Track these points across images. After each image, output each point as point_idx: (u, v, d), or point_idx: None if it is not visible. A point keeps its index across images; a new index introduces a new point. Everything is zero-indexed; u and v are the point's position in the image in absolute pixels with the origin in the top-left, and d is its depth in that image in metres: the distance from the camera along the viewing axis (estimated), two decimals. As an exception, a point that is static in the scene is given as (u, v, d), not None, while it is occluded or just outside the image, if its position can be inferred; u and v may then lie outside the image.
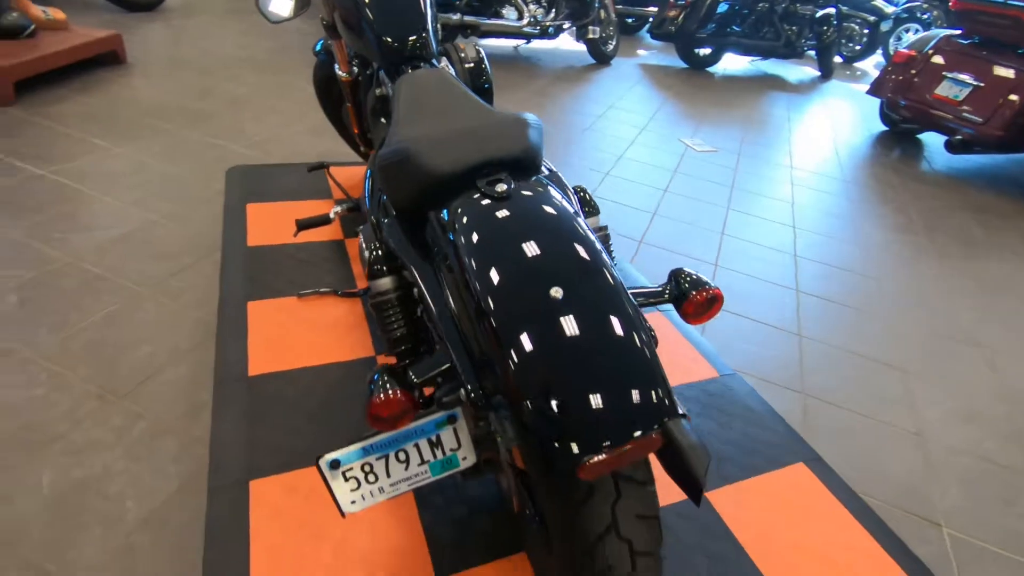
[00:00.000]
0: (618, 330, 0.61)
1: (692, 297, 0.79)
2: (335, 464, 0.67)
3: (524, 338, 0.60)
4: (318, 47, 1.87)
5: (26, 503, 1.06)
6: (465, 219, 0.71)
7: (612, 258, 0.97)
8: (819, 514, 1.26)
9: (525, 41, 4.89)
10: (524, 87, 4.04)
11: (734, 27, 5.24)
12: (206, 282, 1.68)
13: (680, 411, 0.61)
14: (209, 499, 1.08)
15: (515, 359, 0.59)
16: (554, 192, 0.77)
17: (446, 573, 1.02)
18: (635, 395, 0.58)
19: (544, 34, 4.55)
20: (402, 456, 0.70)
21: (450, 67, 1.31)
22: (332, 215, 1.52)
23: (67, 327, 1.45)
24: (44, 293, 1.55)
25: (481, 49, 1.40)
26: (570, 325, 0.60)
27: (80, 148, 2.28)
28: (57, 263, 1.67)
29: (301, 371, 1.39)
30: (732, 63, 5.87)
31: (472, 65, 1.36)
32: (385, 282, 0.87)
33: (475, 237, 0.68)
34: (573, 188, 0.98)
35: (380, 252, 0.88)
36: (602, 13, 4.85)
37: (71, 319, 1.48)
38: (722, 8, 5.17)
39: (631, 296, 0.71)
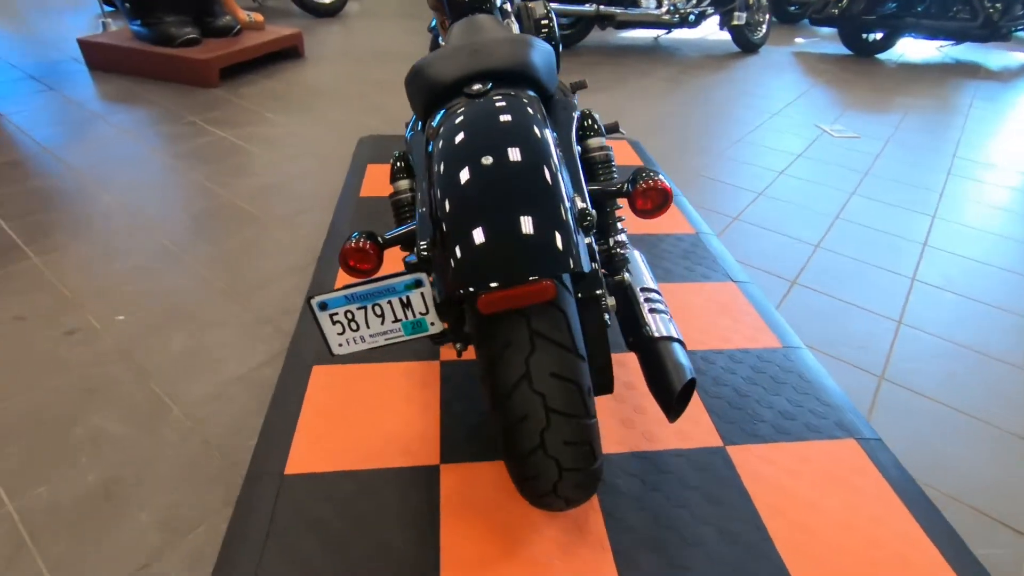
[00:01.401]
0: (533, 195, 0.68)
1: (639, 188, 0.81)
2: (323, 306, 0.83)
3: (450, 196, 0.70)
4: (432, 24, 2.11)
5: (160, 355, 1.41)
6: (442, 113, 0.83)
7: (612, 174, 1.02)
8: (856, 488, 1.16)
9: (665, 31, 4.81)
10: (651, 74, 4.01)
11: (914, 7, 4.60)
12: (322, 220, 2.01)
13: (584, 268, 0.66)
14: (281, 374, 1.34)
15: (439, 213, 0.69)
16: (526, 99, 0.83)
17: (448, 460, 1.16)
18: (534, 245, 0.65)
19: (684, 22, 4.44)
20: (378, 311, 0.85)
21: (514, 22, 1.43)
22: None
23: (217, 243, 1.85)
24: (209, 219, 1.98)
25: (551, 8, 1.49)
26: (488, 185, 0.69)
27: (255, 119, 2.82)
28: (221, 200, 2.11)
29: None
30: (913, 49, 5.16)
31: (536, 21, 1.46)
32: (401, 184, 1.02)
33: (442, 126, 0.80)
34: (580, 112, 1.04)
35: (401, 159, 1.03)
36: (750, -2, 4.59)
37: (221, 238, 1.88)
38: (901, -14, 4.59)
39: (583, 187, 0.77)
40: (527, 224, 0.66)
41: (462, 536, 1.03)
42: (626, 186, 0.84)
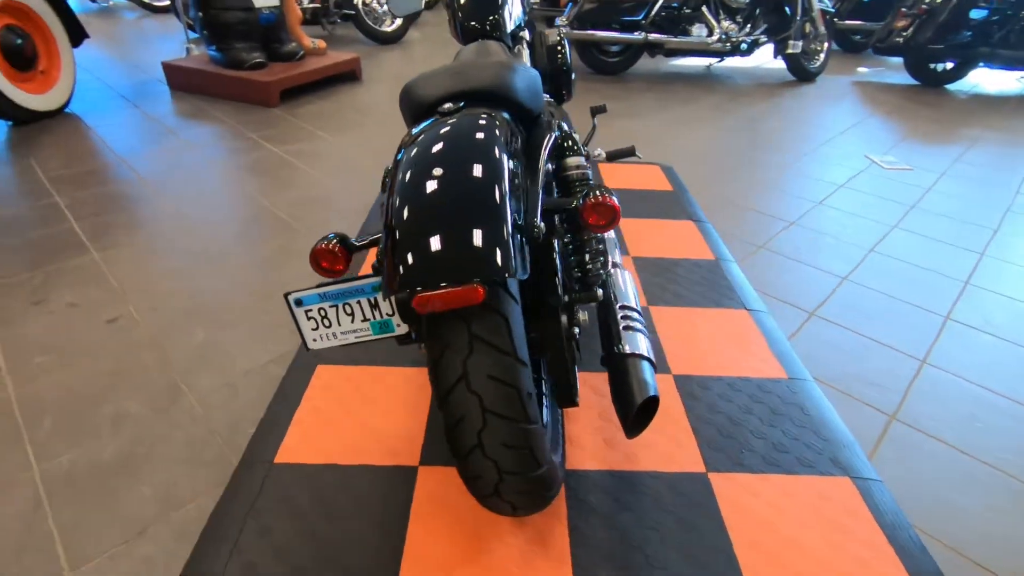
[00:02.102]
0: (473, 206, 0.72)
1: (587, 203, 0.83)
2: (299, 302, 0.90)
3: (396, 205, 0.74)
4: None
5: (183, 347, 1.53)
6: (414, 130, 0.89)
7: (580, 191, 1.05)
8: (844, 528, 1.11)
9: (717, 59, 4.76)
10: (697, 101, 3.99)
11: (990, 36, 4.36)
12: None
13: (518, 275, 0.69)
14: (287, 371, 1.43)
15: (387, 221, 0.74)
16: (490, 118, 0.87)
17: (427, 463, 1.20)
18: (467, 252, 0.69)
19: (736, 50, 4.40)
20: (348, 310, 0.90)
21: (525, 49, 1.49)
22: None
23: (253, 249, 2.00)
24: (249, 227, 2.14)
25: (563, 34, 1.55)
26: (432, 195, 0.73)
27: (306, 136, 3.02)
28: (264, 209, 2.27)
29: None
30: (989, 79, 4.88)
31: (550, 48, 1.52)
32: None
33: (408, 141, 0.85)
34: (558, 133, 1.08)
35: (388, 174, 1.09)
36: (807, 26, 4.50)
37: (256, 245, 2.03)
38: (975, 14, 4.37)
39: (538, 202, 0.81)
40: (463, 232, 0.70)
41: (428, 535, 1.07)
42: (577, 201, 0.86)
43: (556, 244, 0.97)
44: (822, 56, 4.72)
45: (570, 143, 1.08)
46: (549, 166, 0.96)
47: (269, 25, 3.54)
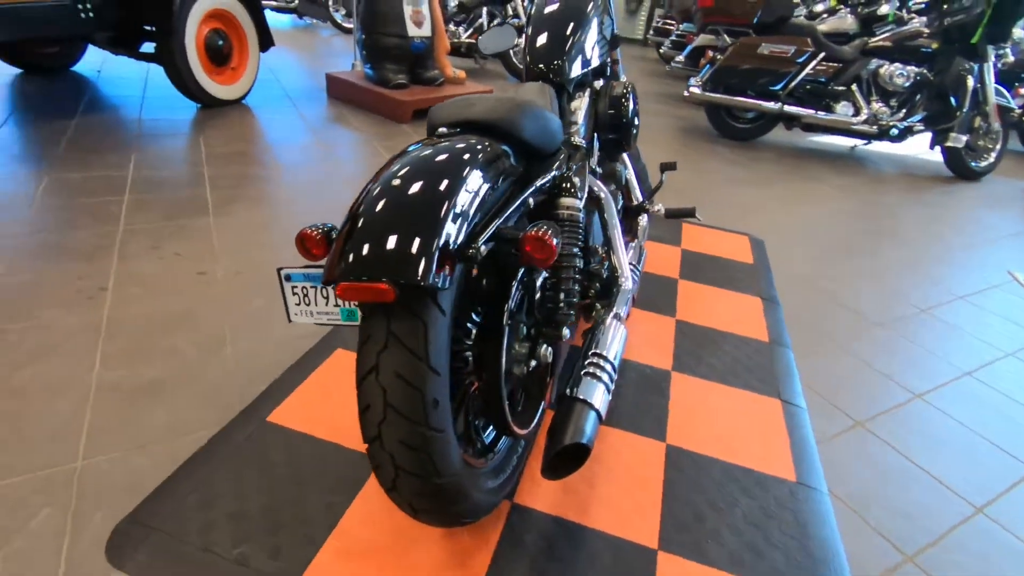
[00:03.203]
0: (412, 214, 0.78)
1: (528, 234, 0.85)
2: (288, 277, 1.02)
3: (352, 206, 0.83)
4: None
5: (241, 309, 1.76)
6: (409, 146, 0.98)
7: (577, 238, 1.07)
8: (786, 655, 0.99)
9: (864, 141, 4.43)
10: (823, 180, 3.73)
11: None
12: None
13: (432, 284, 0.74)
14: (309, 350, 1.59)
15: (344, 219, 0.83)
16: (479, 147, 0.92)
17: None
18: (387, 253, 0.75)
19: (885, 135, 4.07)
20: (324, 293, 1.01)
21: (585, 96, 1.54)
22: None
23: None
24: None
25: (630, 88, 1.57)
26: (382, 200, 0.80)
27: (420, 152, 3.31)
28: (357, 207, 2.54)
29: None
30: None
31: (615, 98, 1.55)
32: None
33: (397, 154, 0.94)
34: (557, 174, 1.11)
35: None
36: (976, 120, 4.03)
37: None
38: None
39: (486, 227, 0.85)
40: (390, 236, 0.77)
41: (363, 519, 1.13)
42: (522, 232, 0.88)
43: (520, 274, 1.00)
44: (993, 155, 4.19)
45: (568, 185, 1.11)
46: (532, 200, 1.00)
47: (419, 52, 3.96)
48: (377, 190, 0.83)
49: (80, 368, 1.46)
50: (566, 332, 1.09)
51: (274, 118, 3.63)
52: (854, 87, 4.07)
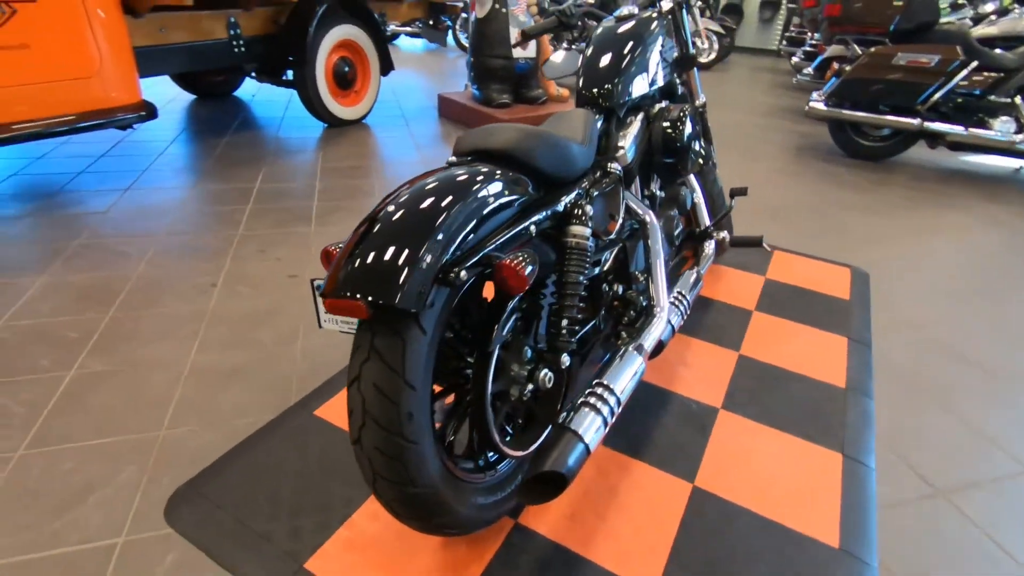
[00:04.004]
0: (398, 238, 0.84)
1: (503, 261, 0.86)
2: (318, 288, 1.14)
3: (359, 228, 0.91)
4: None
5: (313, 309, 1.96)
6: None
7: (584, 266, 1.08)
8: None
9: (1032, 162, 3.76)
10: (967, 209, 3.24)
11: None
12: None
13: (408, 308, 0.80)
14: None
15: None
16: (483, 175, 0.96)
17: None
18: (367, 273, 0.82)
19: (1058, 156, 3.44)
20: (346, 304, 1.11)
21: (636, 121, 1.50)
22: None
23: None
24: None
25: (687, 112, 1.50)
26: (377, 224, 0.87)
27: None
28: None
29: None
30: None
31: (666, 122, 1.50)
32: None
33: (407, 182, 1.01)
34: (570, 201, 1.11)
35: None
36: None
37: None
38: None
39: (475, 252, 0.89)
40: (373, 257, 0.83)
41: (371, 517, 1.21)
42: (499, 258, 0.90)
43: (518, 297, 1.03)
44: None
45: (579, 212, 1.10)
46: (535, 227, 1.02)
47: (523, 72, 4.10)
48: (376, 214, 0.91)
49: (182, 350, 1.73)
50: (565, 359, 1.09)
51: (387, 136, 3.96)
52: (1019, 99, 3.50)
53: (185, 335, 1.80)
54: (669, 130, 1.50)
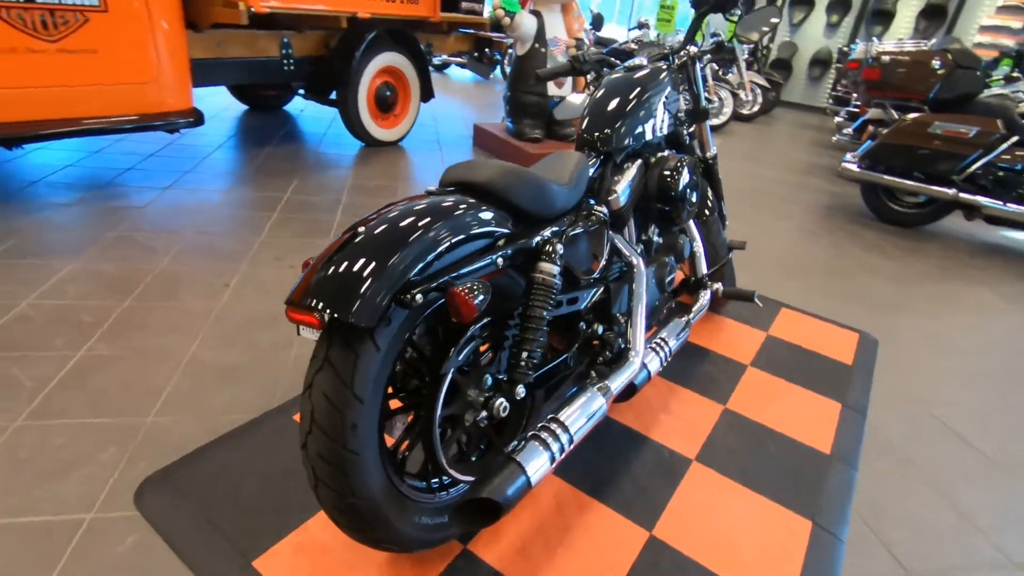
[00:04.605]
0: (360, 258, 0.89)
1: (455, 289, 0.90)
2: (301, 297, 1.20)
3: (331, 246, 0.96)
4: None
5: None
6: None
7: (549, 302, 1.11)
8: None
9: (1075, 244, 3.60)
10: (997, 284, 3.12)
11: None
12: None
13: (358, 323, 0.84)
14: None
15: None
16: (459, 206, 1.01)
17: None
18: (326, 287, 0.87)
19: (1102, 239, 3.30)
20: (323, 315, 1.17)
21: (631, 168, 1.54)
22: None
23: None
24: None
25: (684, 163, 1.52)
26: (347, 243, 0.93)
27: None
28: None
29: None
30: None
31: (661, 171, 1.52)
32: None
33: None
34: (540, 240, 1.14)
35: None
36: None
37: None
38: None
39: (435, 278, 0.94)
40: (331, 273, 0.89)
41: (324, 525, 1.24)
42: (450, 287, 0.93)
43: (478, 326, 1.07)
44: None
45: (549, 249, 1.13)
46: (501, 260, 1.06)
47: (555, 110, 4.20)
48: (349, 232, 0.97)
49: (185, 344, 1.82)
50: (520, 390, 1.11)
51: (419, 159, 4.11)
52: (1063, 178, 3.39)
53: (190, 330, 1.90)
54: (666, 178, 1.53)
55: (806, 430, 1.74)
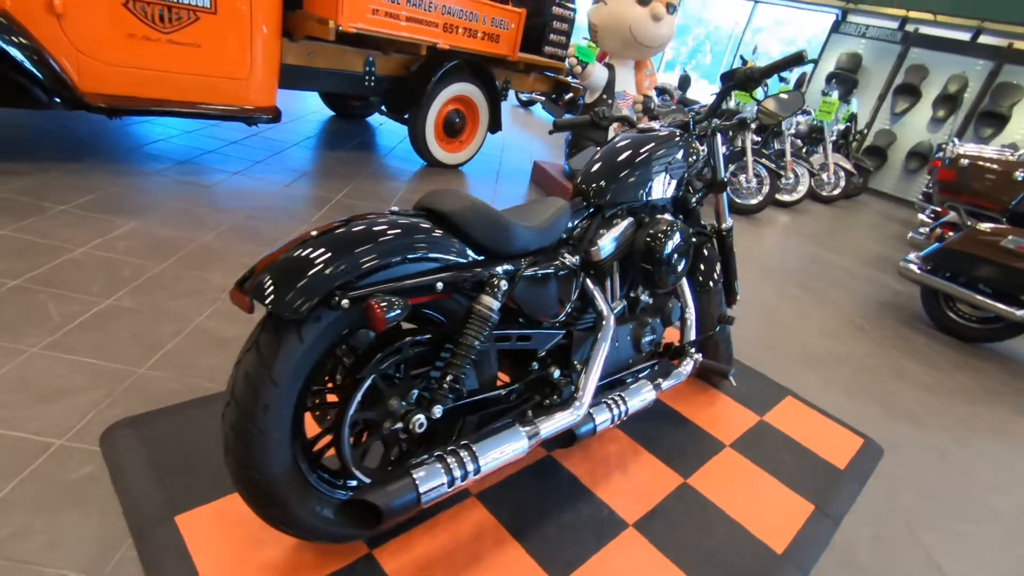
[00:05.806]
0: (314, 258, 0.97)
1: (372, 300, 0.96)
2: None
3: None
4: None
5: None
6: None
7: (481, 333, 1.16)
8: None
9: None
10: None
11: None
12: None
13: (283, 315, 0.93)
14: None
15: None
16: (415, 228, 1.09)
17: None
18: (265, 277, 0.96)
19: None
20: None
21: (623, 221, 1.55)
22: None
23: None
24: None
25: (674, 228, 1.52)
26: (300, 244, 1.02)
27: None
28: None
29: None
30: None
31: (650, 232, 1.53)
32: None
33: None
34: (489, 273, 1.19)
35: None
36: None
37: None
38: None
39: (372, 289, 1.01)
40: (276, 269, 0.98)
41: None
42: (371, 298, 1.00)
43: (409, 338, 1.14)
44: None
45: (493, 283, 1.18)
46: (440, 284, 1.13)
47: (570, 160, 4.28)
48: (307, 234, 1.07)
49: (197, 311, 2.00)
50: (437, 410, 1.16)
51: (473, 185, 4.28)
52: None
53: (207, 300, 2.08)
54: (652, 240, 1.55)
55: (764, 525, 1.65)
